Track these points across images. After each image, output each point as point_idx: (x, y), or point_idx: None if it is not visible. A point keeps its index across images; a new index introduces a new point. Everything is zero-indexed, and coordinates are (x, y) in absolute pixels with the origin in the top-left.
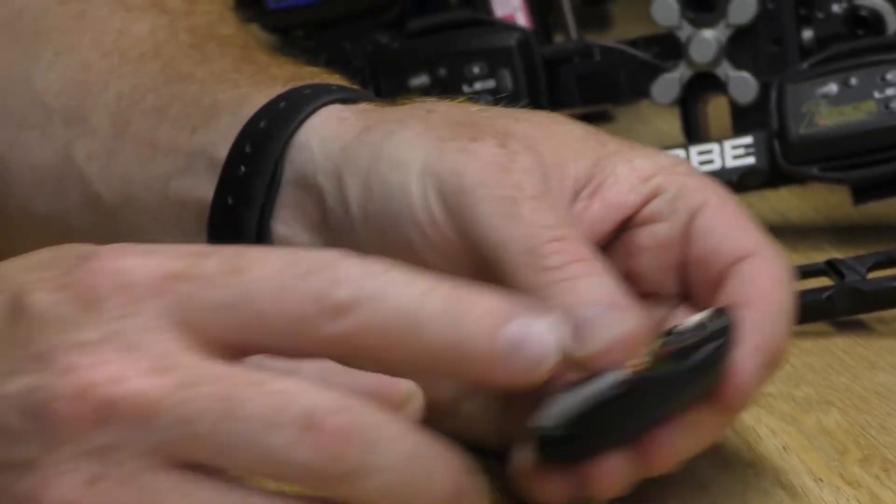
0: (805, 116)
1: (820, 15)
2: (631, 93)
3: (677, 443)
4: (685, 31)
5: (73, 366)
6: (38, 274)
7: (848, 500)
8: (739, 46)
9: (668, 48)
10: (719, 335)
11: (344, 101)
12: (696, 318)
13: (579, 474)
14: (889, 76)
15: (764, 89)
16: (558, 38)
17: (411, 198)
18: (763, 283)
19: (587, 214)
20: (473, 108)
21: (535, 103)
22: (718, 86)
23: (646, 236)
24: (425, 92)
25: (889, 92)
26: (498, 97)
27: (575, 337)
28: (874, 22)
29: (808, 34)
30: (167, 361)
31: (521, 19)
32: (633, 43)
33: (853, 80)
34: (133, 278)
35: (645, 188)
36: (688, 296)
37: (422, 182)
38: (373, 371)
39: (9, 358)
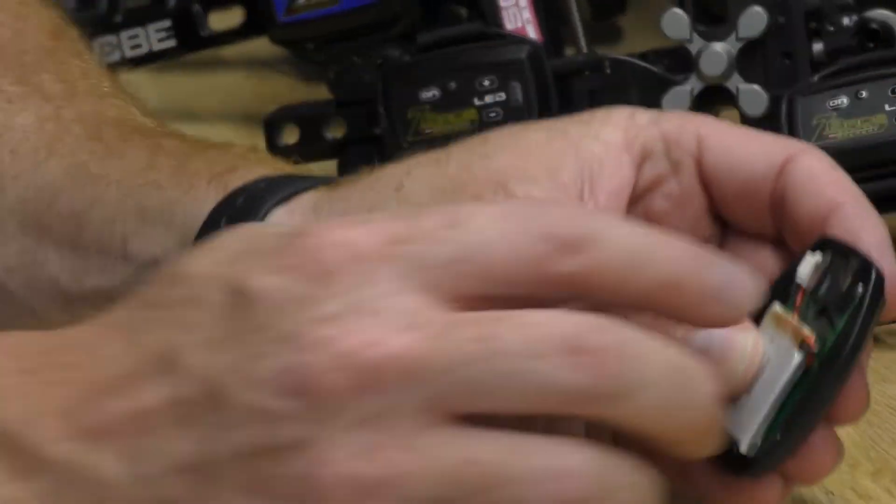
0: (816, 129)
1: (830, 28)
2: (642, 106)
3: (861, 394)
4: (696, 44)
5: (325, 338)
6: (248, 262)
7: None
8: (750, 59)
9: (679, 61)
10: (850, 270)
11: (302, 191)
12: (809, 262)
13: (793, 468)
14: None
15: (774, 102)
16: (569, 52)
17: None
18: (827, 178)
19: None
20: (445, 161)
21: (546, 116)
22: (729, 98)
23: (661, 200)
24: (435, 106)
25: None
26: (508, 111)
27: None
28: (885, 35)
29: (818, 47)
30: (415, 319)
31: (532, 32)
32: (644, 56)
33: (864, 93)
34: (359, 248)
35: (631, 158)
36: (738, 230)
37: None
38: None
39: (249, 344)
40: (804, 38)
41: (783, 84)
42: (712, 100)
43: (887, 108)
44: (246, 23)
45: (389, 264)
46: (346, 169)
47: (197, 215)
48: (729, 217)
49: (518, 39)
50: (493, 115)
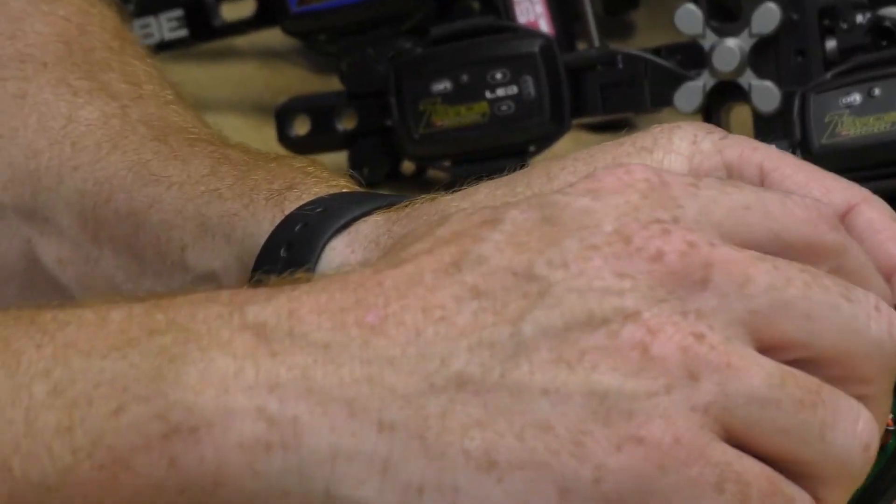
0: (828, 127)
1: (843, 26)
2: (654, 101)
3: None
4: (709, 39)
5: (670, 230)
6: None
7: None
8: (763, 56)
9: (692, 56)
10: None
11: (360, 217)
12: None
13: None
14: None
15: (787, 99)
16: (581, 46)
17: None
18: (889, 233)
19: None
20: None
21: (558, 110)
22: (741, 95)
23: None
24: (447, 98)
25: None
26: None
27: None
28: None
29: (831, 45)
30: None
31: (545, 26)
32: (657, 51)
33: (877, 91)
34: (662, 180)
35: None
36: None
37: None
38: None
39: (571, 238)
40: (817, 36)
41: (796, 81)
42: (725, 96)
43: None
44: (258, 13)
45: (688, 201)
46: (356, 160)
47: (255, 234)
48: None
49: (531, 33)
50: (504, 108)
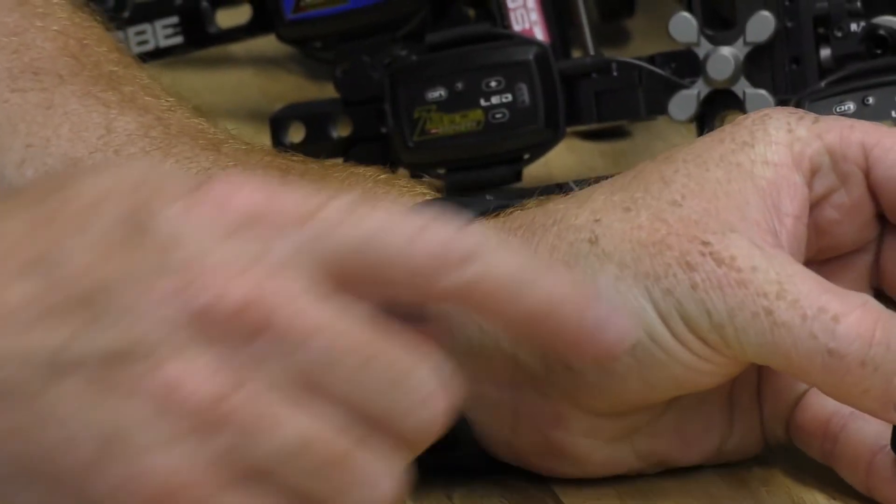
0: None
1: (838, 34)
2: (648, 109)
3: None
4: (703, 47)
5: (234, 276)
6: (155, 190)
7: None
8: (757, 64)
9: (686, 64)
10: None
11: None
12: None
13: None
14: None
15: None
16: (576, 54)
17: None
18: None
19: (791, 238)
20: (633, 209)
21: (553, 118)
22: (736, 103)
23: (832, 210)
24: (441, 106)
25: None
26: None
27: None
28: (892, 41)
29: (825, 53)
30: (315, 293)
31: (540, 34)
32: (651, 59)
33: (871, 100)
34: (271, 209)
35: (802, 176)
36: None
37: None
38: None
39: (140, 260)
40: (812, 44)
41: (790, 89)
42: (719, 104)
43: (894, 114)
44: (253, 20)
45: (295, 234)
46: None
47: None
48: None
49: (525, 40)
50: (499, 115)
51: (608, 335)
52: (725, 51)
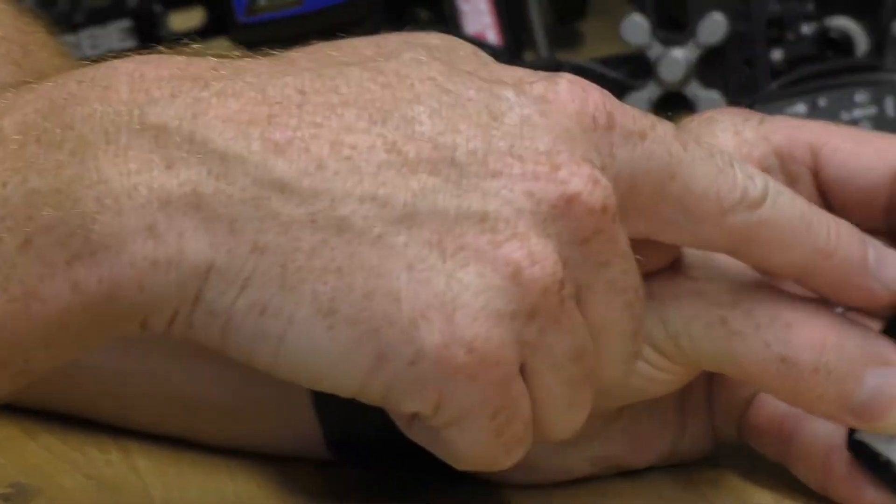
0: None
1: (790, 36)
2: None
3: None
4: (655, 50)
5: (597, 179)
6: (505, 74)
7: None
8: (709, 66)
9: (638, 67)
10: None
11: None
12: None
13: None
14: (857, 98)
15: None
16: (529, 56)
17: None
18: None
19: None
20: None
21: None
22: (688, 105)
23: None
24: None
25: (857, 113)
26: None
27: None
28: (844, 43)
29: (777, 55)
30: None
31: (492, 37)
32: (604, 62)
33: (822, 102)
34: (614, 118)
35: None
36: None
37: None
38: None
39: (504, 141)
40: (764, 46)
41: (742, 91)
42: (671, 106)
43: (844, 116)
44: (206, 23)
45: (628, 148)
46: None
47: None
48: (845, 218)
49: (478, 44)
50: None
51: (885, 282)
52: (677, 53)
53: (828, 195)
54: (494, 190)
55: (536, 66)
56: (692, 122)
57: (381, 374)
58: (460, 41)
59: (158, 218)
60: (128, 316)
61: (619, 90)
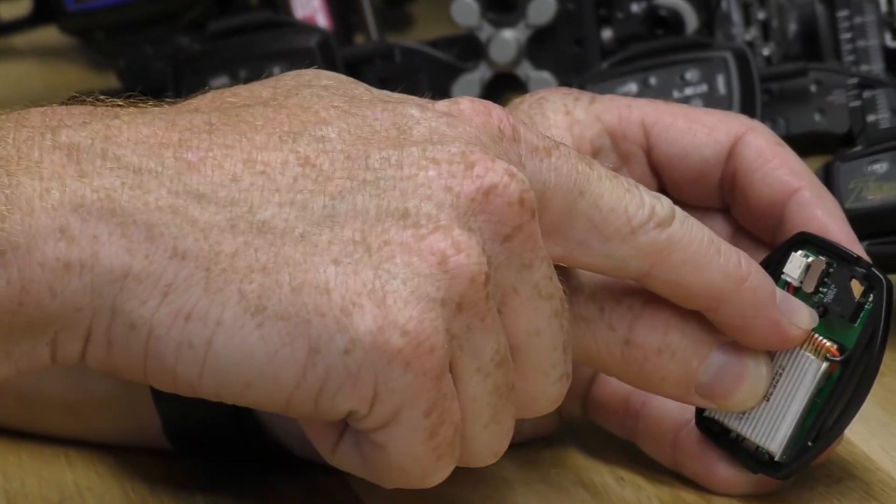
0: None
1: (619, 15)
2: (432, 93)
3: None
4: (485, 31)
5: (514, 175)
6: (398, 96)
7: (649, 498)
8: (540, 46)
9: (469, 49)
10: (856, 277)
11: None
12: (797, 262)
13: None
14: (688, 75)
15: None
16: (359, 40)
17: None
18: (778, 159)
19: None
20: None
21: None
22: (519, 86)
23: None
24: None
25: (688, 91)
26: None
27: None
28: (673, 22)
29: (607, 34)
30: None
31: (322, 20)
32: (434, 44)
33: (652, 80)
34: (520, 133)
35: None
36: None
37: None
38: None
39: (416, 148)
40: (594, 25)
41: (573, 71)
42: (503, 87)
43: (675, 94)
44: (35, 12)
45: (534, 160)
46: None
47: None
48: (679, 197)
49: (308, 27)
50: None
51: (789, 318)
52: (507, 34)
53: (661, 174)
54: (413, 189)
55: (367, 48)
56: (523, 103)
57: (315, 371)
58: (351, 79)
59: (71, 220)
60: (38, 329)
61: (451, 72)
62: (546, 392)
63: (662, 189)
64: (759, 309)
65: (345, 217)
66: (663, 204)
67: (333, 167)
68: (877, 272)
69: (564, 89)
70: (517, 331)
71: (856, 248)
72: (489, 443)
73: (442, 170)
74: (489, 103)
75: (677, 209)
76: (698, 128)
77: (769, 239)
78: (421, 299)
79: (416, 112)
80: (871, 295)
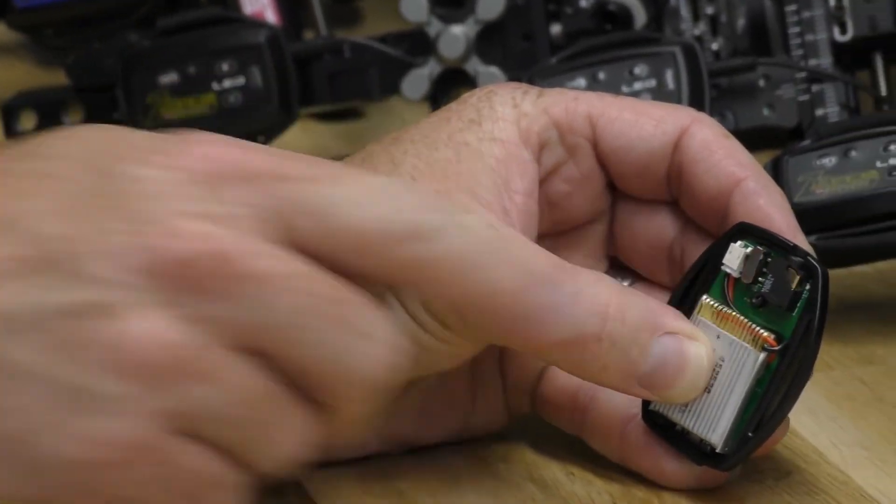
0: None
1: (568, 10)
2: (382, 89)
3: None
4: (434, 26)
5: (196, 233)
6: (123, 151)
7: (600, 493)
8: (488, 42)
9: (418, 44)
10: (792, 267)
11: None
12: (736, 253)
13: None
14: (637, 70)
15: None
16: (308, 35)
17: None
18: (723, 151)
19: (522, 215)
20: None
21: (286, 100)
22: (468, 81)
23: (561, 183)
24: (174, 90)
25: (637, 86)
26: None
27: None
28: (622, 17)
29: (556, 29)
30: (276, 252)
31: (271, 16)
32: (383, 39)
33: (601, 75)
34: (248, 167)
35: (530, 151)
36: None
37: None
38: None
39: (106, 220)
40: (543, 21)
41: (522, 66)
42: (452, 82)
43: (625, 89)
44: None
45: (267, 195)
46: None
47: None
48: (626, 189)
49: (256, 23)
50: (232, 99)
51: (549, 328)
52: (456, 29)
53: (608, 167)
54: (91, 275)
55: (316, 44)
56: (472, 97)
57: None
58: (112, 129)
59: None
60: None
61: (400, 67)
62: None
63: (610, 182)
64: (545, 314)
65: (24, 326)
66: (433, 216)
67: (27, 261)
68: (813, 261)
69: (514, 84)
70: (297, 368)
71: (797, 237)
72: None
73: (119, 245)
74: (208, 138)
75: (452, 219)
76: (645, 120)
77: (716, 231)
78: (114, 404)
79: (130, 169)
80: (808, 284)
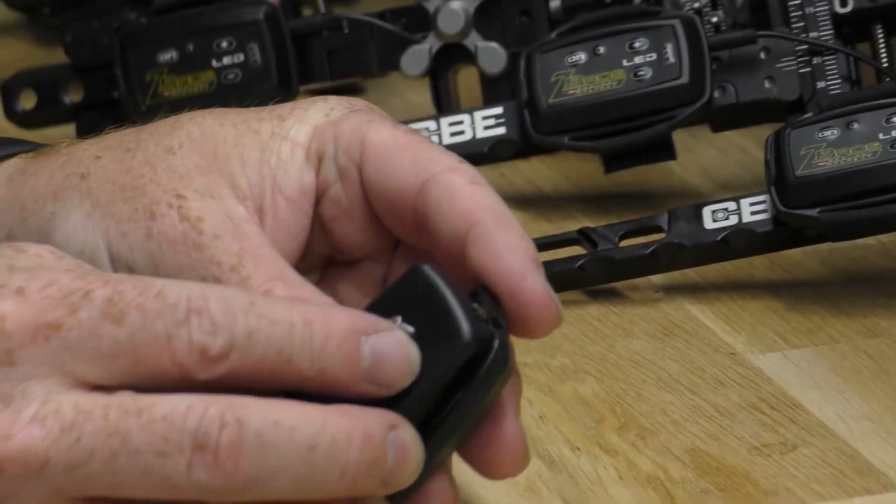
0: (554, 86)
1: None
2: (381, 65)
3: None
4: (433, 2)
5: None
6: None
7: (605, 467)
8: (488, 17)
9: (417, 20)
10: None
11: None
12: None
13: None
14: (637, 44)
15: (513, 59)
16: (306, 12)
17: None
18: (466, 195)
19: (281, 222)
20: (134, 149)
21: (285, 77)
22: (468, 56)
23: (330, 206)
24: (173, 68)
25: (637, 60)
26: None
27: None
28: None
29: (555, 4)
30: (48, 408)
31: None
32: (382, 15)
33: (601, 49)
34: (7, 326)
35: (309, 160)
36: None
37: None
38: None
39: None
40: None
41: (521, 41)
42: (451, 58)
43: (625, 63)
44: None
45: (35, 349)
46: (84, 133)
47: None
48: (387, 225)
49: (254, 0)
50: (231, 76)
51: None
52: (455, 5)
53: (370, 198)
54: None
55: (314, 20)
56: (305, 101)
57: None
58: None
59: None
60: None
61: (399, 43)
62: None
63: (374, 215)
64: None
65: None
66: (216, 338)
67: None
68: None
69: (351, 99)
70: None
71: (527, 278)
72: None
73: None
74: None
75: (240, 330)
76: (405, 157)
77: (463, 276)
78: None
79: None
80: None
